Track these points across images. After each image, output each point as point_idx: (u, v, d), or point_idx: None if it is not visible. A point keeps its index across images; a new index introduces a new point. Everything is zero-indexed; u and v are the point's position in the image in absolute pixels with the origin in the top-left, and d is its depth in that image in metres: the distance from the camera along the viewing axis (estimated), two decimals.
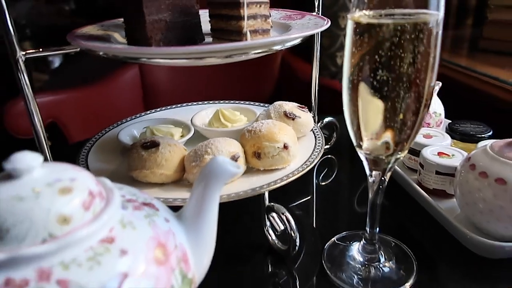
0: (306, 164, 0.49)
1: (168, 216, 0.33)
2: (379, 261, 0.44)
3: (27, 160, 0.26)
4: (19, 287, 0.23)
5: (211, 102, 0.74)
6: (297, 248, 0.44)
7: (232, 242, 0.50)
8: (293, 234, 0.43)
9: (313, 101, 0.69)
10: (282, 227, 0.45)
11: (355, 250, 0.45)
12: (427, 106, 0.35)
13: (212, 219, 0.34)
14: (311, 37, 0.65)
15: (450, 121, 0.65)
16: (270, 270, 0.46)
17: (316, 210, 0.58)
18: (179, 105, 0.71)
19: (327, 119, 0.70)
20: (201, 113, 0.62)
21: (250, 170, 0.48)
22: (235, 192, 0.42)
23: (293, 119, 0.55)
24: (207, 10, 0.49)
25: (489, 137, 0.59)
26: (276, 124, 0.49)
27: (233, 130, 0.56)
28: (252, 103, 0.71)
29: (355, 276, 0.42)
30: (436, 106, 0.67)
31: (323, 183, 0.66)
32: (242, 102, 0.72)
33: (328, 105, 0.83)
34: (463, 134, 0.61)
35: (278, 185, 0.44)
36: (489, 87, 0.85)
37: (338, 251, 0.46)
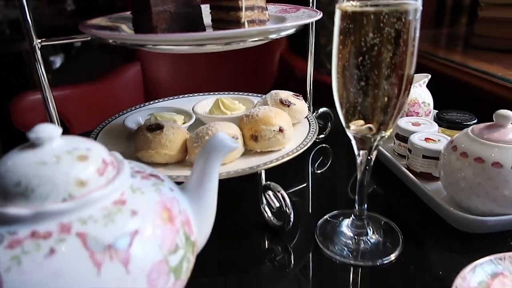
0: (300, 147, 0.52)
1: (173, 187, 0.36)
2: (367, 235, 0.47)
3: (48, 131, 0.29)
4: (43, 237, 0.26)
5: (211, 93, 0.77)
6: (291, 223, 0.47)
7: (232, 220, 0.53)
8: (287, 210, 0.46)
9: (308, 91, 0.72)
10: (277, 205, 0.48)
11: (345, 225, 0.49)
12: (407, 90, 0.39)
13: (212, 189, 0.37)
14: (307, 33, 0.68)
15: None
16: (266, 244, 0.49)
17: (311, 195, 0.61)
18: (180, 96, 0.75)
19: (322, 109, 0.74)
20: (202, 102, 0.65)
21: (248, 152, 0.52)
22: (234, 170, 0.45)
23: (288, 106, 0.58)
24: (208, 5, 0.52)
25: (474, 125, 0.62)
26: (272, 109, 0.53)
27: (232, 117, 0.59)
28: (250, 94, 0.75)
29: (345, 249, 0.46)
30: (425, 96, 0.70)
31: (318, 171, 0.69)
32: (241, 93, 0.76)
33: (325, 100, 0.86)
34: (449, 122, 0.64)
35: (273, 164, 0.48)
36: (477, 80, 0.89)
37: (330, 227, 0.50)
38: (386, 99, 0.38)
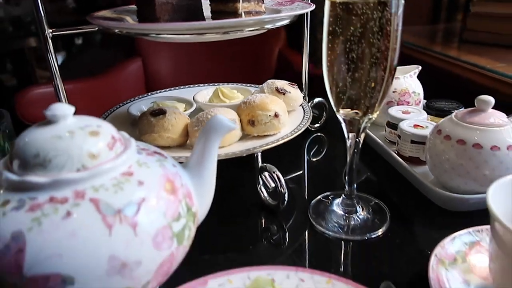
0: (294, 131, 0.55)
1: (175, 164, 0.39)
2: (356, 212, 0.50)
3: (63, 109, 0.32)
4: (60, 202, 0.29)
5: (211, 84, 0.81)
6: (285, 202, 0.50)
7: (230, 202, 0.56)
8: (282, 190, 0.49)
9: (304, 81, 0.75)
10: (273, 185, 0.51)
11: (336, 204, 0.52)
12: (391, 76, 0.42)
13: (212, 167, 0.40)
14: (303, 28, 0.72)
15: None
16: (262, 222, 0.52)
17: (306, 180, 0.65)
18: (182, 86, 0.78)
19: (317, 99, 0.77)
20: (202, 92, 0.69)
21: (245, 136, 0.55)
22: (232, 152, 0.49)
23: (283, 93, 0.62)
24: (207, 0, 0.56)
25: None
26: (268, 96, 0.56)
27: (231, 105, 0.62)
28: (248, 84, 0.78)
29: (336, 225, 0.49)
30: (416, 86, 0.73)
31: (314, 159, 0.72)
32: (239, 84, 0.79)
33: (322, 93, 0.89)
34: (438, 110, 0.67)
35: (269, 146, 0.51)
36: (468, 72, 0.92)
37: (322, 206, 0.53)
38: (372, 84, 0.41)
